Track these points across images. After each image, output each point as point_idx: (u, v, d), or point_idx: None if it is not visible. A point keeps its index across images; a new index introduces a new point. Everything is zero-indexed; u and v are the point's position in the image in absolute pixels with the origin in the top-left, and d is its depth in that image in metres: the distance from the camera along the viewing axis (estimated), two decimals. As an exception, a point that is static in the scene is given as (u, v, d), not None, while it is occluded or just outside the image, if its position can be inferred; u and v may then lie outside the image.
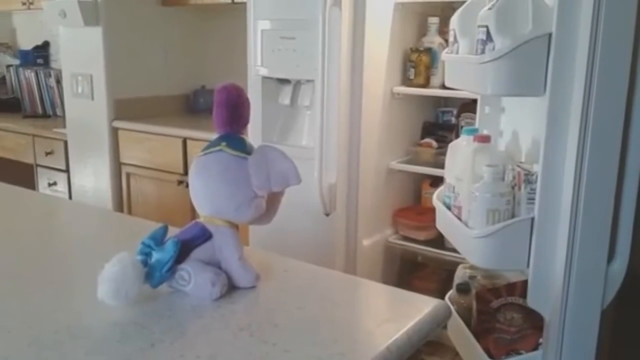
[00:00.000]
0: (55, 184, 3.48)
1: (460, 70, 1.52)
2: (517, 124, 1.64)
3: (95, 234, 1.40)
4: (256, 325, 0.92)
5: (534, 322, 1.43)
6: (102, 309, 0.92)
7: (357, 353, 0.85)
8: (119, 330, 0.90)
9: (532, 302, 1.40)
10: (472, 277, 1.73)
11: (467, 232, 1.44)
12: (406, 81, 2.33)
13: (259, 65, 2.21)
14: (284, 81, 2.24)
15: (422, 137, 2.52)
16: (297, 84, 2.21)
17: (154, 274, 0.96)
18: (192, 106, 3.40)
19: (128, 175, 3.13)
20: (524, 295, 1.41)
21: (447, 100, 2.52)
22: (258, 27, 2.18)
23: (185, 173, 2.84)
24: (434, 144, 2.40)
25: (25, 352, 0.83)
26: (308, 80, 2.14)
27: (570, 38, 1.26)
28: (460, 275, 1.76)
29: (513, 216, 1.41)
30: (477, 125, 1.74)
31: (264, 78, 2.22)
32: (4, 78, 4.37)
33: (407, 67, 2.30)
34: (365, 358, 0.83)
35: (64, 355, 0.82)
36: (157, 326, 0.91)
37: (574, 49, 1.26)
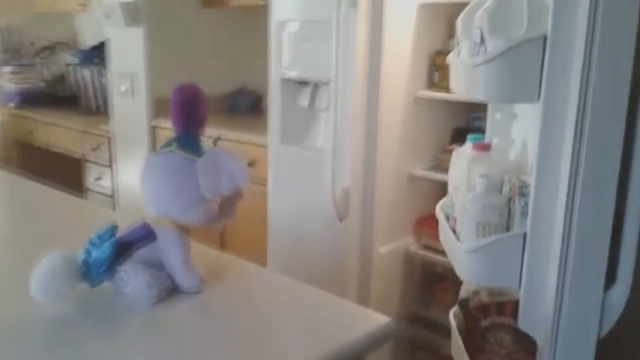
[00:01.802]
0: (100, 178, 3.61)
1: (460, 75, 1.44)
2: (529, 131, 1.53)
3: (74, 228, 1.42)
4: (179, 333, 0.90)
5: (526, 345, 1.33)
6: (35, 307, 0.92)
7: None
8: (45, 326, 0.90)
9: (523, 324, 1.30)
10: (475, 293, 1.63)
11: (457, 245, 1.36)
12: (431, 85, 2.24)
13: (279, 66, 2.19)
14: (303, 83, 2.21)
15: (452, 143, 2.42)
16: (316, 85, 2.18)
17: (92, 273, 0.95)
18: (231, 106, 3.42)
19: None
20: (515, 315, 1.31)
21: (478, 106, 2.41)
22: (278, 28, 2.16)
23: (216, 172, 2.86)
24: (462, 150, 2.30)
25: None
26: (325, 82, 2.10)
27: (566, 40, 1.16)
28: (465, 289, 1.67)
29: (508, 230, 1.32)
30: (487, 133, 1.65)
31: (284, 79, 2.20)
32: (63, 76, 4.56)
33: (432, 71, 2.22)
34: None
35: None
36: (84, 325, 0.91)
37: (570, 52, 1.16)
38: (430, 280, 2.40)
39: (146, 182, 1.01)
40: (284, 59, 2.18)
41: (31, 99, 4.40)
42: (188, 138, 1.03)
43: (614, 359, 1.30)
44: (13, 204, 1.61)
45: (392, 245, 2.25)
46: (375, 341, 0.93)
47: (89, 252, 0.96)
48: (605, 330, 1.25)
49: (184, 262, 0.99)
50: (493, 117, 1.63)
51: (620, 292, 1.24)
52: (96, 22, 4.27)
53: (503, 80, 1.23)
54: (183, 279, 0.99)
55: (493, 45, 1.23)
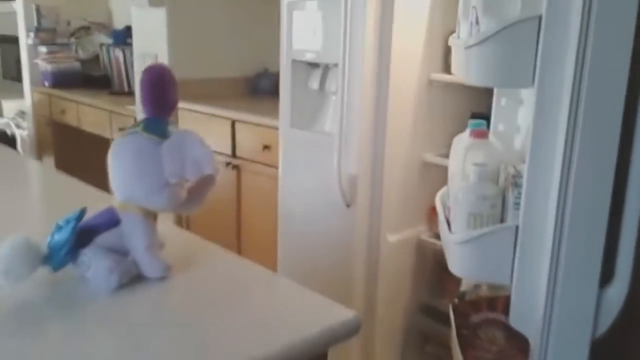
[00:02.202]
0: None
1: (459, 57, 1.37)
2: (534, 118, 1.45)
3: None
4: (136, 320, 0.88)
5: (518, 343, 1.27)
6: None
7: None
8: (1, 309, 0.89)
9: (514, 321, 1.24)
10: (476, 286, 1.57)
11: (447, 237, 1.30)
12: (447, 68, 2.16)
13: (290, 47, 2.15)
14: (314, 65, 2.16)
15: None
16: (327, 68, 2.13)
17: (54, 257, 0.94)
18: (254, 89, 3.40)
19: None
20: (507, 312, 1.26)
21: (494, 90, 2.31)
22: (290, 8, 2.11)
23: (234, 155, 2.85)
24: (479, 137, 2.22)
25: None
26: (336, 65, 2.05)
27: (562, 21, 1.08)
28: (466, 282, 1.62)
29: (501, 222, 1.26)
30: (492, 119, 1.58)
31: (294, 61, 2.16)
32: (97, 56, 4.63)
33: (448, 52, 2.13)
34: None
35: None
36: (43, 310, 0.90)
37: (566, 34, 1.08)
38: (442, 271, 2.33)
39: (112, 165, 0.99)
40: (295, 40, 2.13)
41: (65, 79, 4.48)
42: (156, 120, 1.00)
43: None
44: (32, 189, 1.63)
45: (402, 234, 2.19)
46: (339, 336, 0.89)
47: (52, 235, 0.96)
48: (602, 330, 1.19)
49: (147, 248, 0.97)
50: (498, 103, 1.56)
51: (617, 290, 1.17)
52: (129, 3, 4.31)
53: (495, 63, 1.16)
54: (146, 265, 0.97)
55: (486, 26, 1.16)
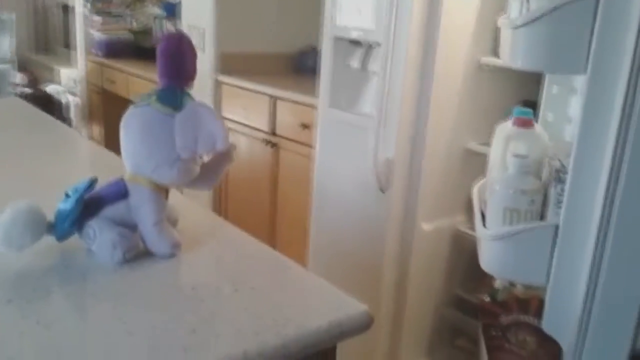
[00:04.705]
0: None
1: (506, 39, 1.27)
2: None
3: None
4: (138, 297, 0.84)
5: (551, 349, 1.18)
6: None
7: (209, 352, 0.73)
8: (3, 279, 0.87)
9: (547, 326, 1.15)
10: (512, 284, 1.48)
11: (480, 231, 1.22)
12: (498, 52, 2.04)
13: (331, 24, 2.07)
14: (356, 43, 2.07)
15: (519, 118, 2.21)
16: (370, 47, 2.04)
17: (58, 226, 0.91)
18: (298, 66, 3.34)
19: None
20: (539, 315, 1.17)
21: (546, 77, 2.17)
22: (334, -17, 2.03)
23: (273, 133, 2.81)
24: (529, 126, 2.09)
25: None
26: (379, 43, 1.96)
27: (622, 1, 0.97)
28: (500, 279, 1.52)
29: (541, 219, 1.16)
30: (542, 108, 1.47)
31: (337, 39, 2.08)
32: (150, 29, 4.65)
33: (497, 36, 2.01)
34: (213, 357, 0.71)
35: None
36: (43, 281, 0.87)
37: (626, 16, 0.97)
38: (479, 264, 2.23)
39: (123, 136, 0.95)
40: (339, 17, 2.05)
41: (118, 50, 4.52)
42: (171, 91, 0.95)
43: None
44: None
45: (438, 222, 2.10)
46: (347, 331, 0.83)
47: (60, 205, 0.92)
48: (642, 343, 1.08)
49: (155, 223, 0.93)
50: (549, 91, 1.45)
51: (663, 301, 1.06)
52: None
53: (545, 45, 1.06)
54: (154, 242, 0.93)
55: (537, 4, 1.05)
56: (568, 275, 1.11)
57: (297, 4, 3.32)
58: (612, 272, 1.04)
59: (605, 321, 1.07)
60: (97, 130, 4.63)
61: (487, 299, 1.48)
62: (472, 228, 2.15)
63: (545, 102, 1.45)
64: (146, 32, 4.66)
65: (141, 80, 3.95)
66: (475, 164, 2.15)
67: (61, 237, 0.92)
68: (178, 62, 0.95)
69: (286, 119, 2.73)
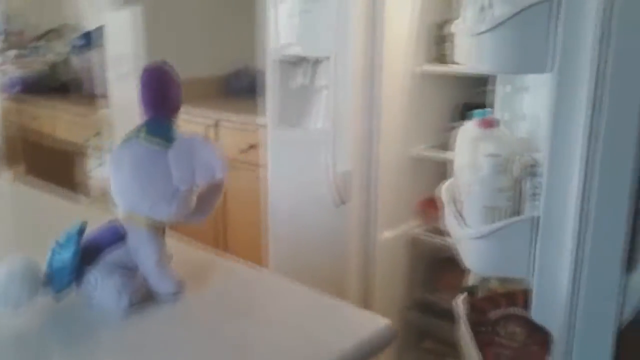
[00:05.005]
0: (103, 165, 3.53)
1: (464, 45, 1.32)
2: (540, 106, 1.41)
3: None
4: (154, 345, 0.80)
5: (540, 337, 1.23)
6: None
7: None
8: (2, 341, 0.81)
9: (536, 315, 1.20)
10: (485, 280, 1.53)
11: (462, 232, 1.25)
12: (435, 58, 2.12)
13: (275, 42, 2.08)
14: (301, 60, 2.09)
15: (457, 120, 2.29)
16: (315, 62, 2.06)
17: (55, 280, 0.86)
18: (228, 88, 3.31)
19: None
20: (526, 305, 1.21)
21: (487, 78, 2.27)
22: (274, 1, 2.04)
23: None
24: (470, 127, 2.18)
25: None
26: (325, 58, 1.98)
27: (579, 2, 1.04)
28: (473, 275, 1.58)
29: (518, 214, 1.21)
30: (495, 107, 1.53)
31: (281, 56, 2.09)
32: (67, 60, 4.47)
33: (436, 43, 2.09)
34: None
35: None
36: (47, 340, 0.82)
37: (584, 16, 1.04)
38: (438, 265, 2.29)
39: (113, 176, 0.91)
40: (281, 35, 2.06)
41: (34, 85, 4.32)
42: (158, 122, 0.93)
43: (636, 351, 1.20)
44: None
45: (396, 229, 2.14)
46: (377, 346, 0.83)
47: (53, 255, 0.87)
48: (627, 318, 1.15)
49: (156, 263, 0.89)
50: (502, 91, 1.51)
51: (642, 277, 1.13)
52: (99, 4, 4.17)
53: (511, 48, 1.11)
54: (158, 283, 0.90)
55: (500, 10, 1.11)
56: (552, 264, 1.16)
57: (225, 26, 3.30)
58: (594, 255, 1.10)
59: (592, 301, 1.13)
60: (19, 170, 4.39)
61: (464, 296, 1.52)
62: (427, 232, 2.22)
63: (498, 102, 1.52)
64: (64, 64, 4.49)
65: (62, 114, 3.80)
66: (422, 168, 2.22)
67: (60, 290, 0.86)
68: (162, 92, 0.93)
69: (230, 140, 2.70)
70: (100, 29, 4.29)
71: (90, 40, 4.30)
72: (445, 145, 2.17)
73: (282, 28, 2.05)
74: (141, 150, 0.89)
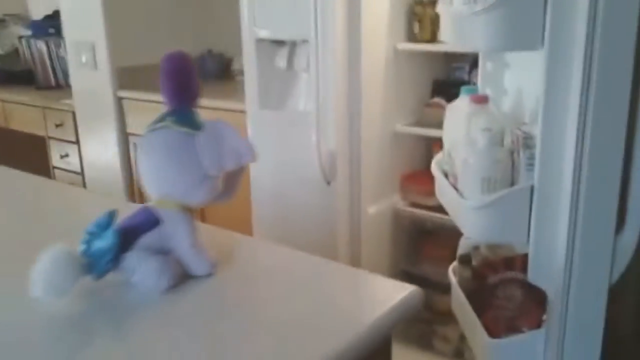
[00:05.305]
0: (67, 155, 3.46)
1: (453, 24, 1.38)
2: (522, 80, 1.49)
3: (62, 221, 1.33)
4: (202, 320, 0.84)
5: (537, 297, 1.32)
6: (39, 305, 0.85)
7: (307, 353, 0.76)
8: (53, 327, 0.83)
9: (533, 277, 1.28)
10: (475, 248, 1.61)
11: (462, 203, 1.32)
12: (411, 37, 2.18)
13: (252, 25, 2.09)
14: (279, 42, 2.11)
15: (432, 97, 2.37)
16: (293, 45, 2.09)
17: (95, 265, 0.88)
18: (198, 72, 3.29)
19: (135, 145, 3.07)
20: (524, 269, 1.30)
21: (458, 56, 2.35)
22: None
23: (191, 142, 2.76)
24: (444, 103, 2.25)
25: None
26: (304, 41, 2.01)
27: (570, -18, 1.11)
28: (463, 244, 1.65)
29: (512, 184, 1.29)
30: (479, 84, 1.60)
31: (258, 40, 2.10)
32: (17, 50, 4.32)
33: (412, 22, 2.15)
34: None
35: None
36: (94, 321, 0.85)
37: (574, -5, 1.11)
38: (419, 237, 2.38)
39: (144, 162, 0.93)
40: (258, 18, 2.08)
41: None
42: (183, 111, 0.95)
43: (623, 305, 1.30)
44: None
45: (379, 204, 2.21)
46: (406, 311, 0.89)
47: (88, 243, 0.89)
48: (616, 276, 1.25)
49: (192, 245, 0.92)
50: (484, 67, 1.58)
51: (629, 236, 1.23)
52: (45, -9, 4.04)
53: (505, 27, 1.17)
54: (193, 263, 0.93)
55: (493, -9, 1.17)
56: (548, 229, 1.24)
57: (189, 10, 3.27)
58: (587, 219, 1.19)
59: (586, 260, 1.22)
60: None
61: (456, 264, 1.60)
62: (409, 205, 2.29)
63: (482, 78, 1.59)
64: (13, 54, 4.33)
65: (22, 106, 3.68)
66: (401, 144, 2.30)
67: (100, 275, 0.89)
68: (185, 82, 0.95)
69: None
70: (52, 17, 4.18)
71: (40, 29, 4.18)
72: (422, 121, 2.25)
73: (258, 11, 2.06)
74: (172, 136, 0.91)
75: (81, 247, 0.89)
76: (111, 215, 0.91)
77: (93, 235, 0.90)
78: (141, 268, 0.89)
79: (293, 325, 0.82)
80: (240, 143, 0.93)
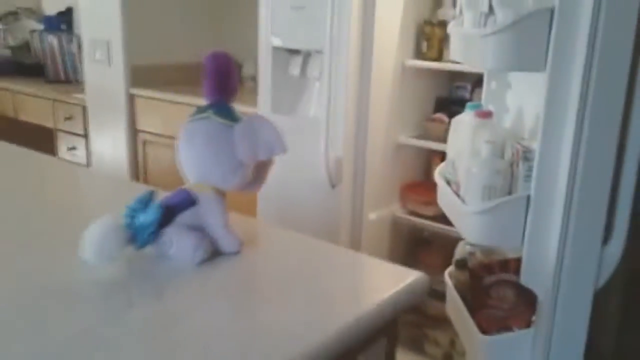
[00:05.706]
0: (74, 148, 3.55)
1: (464, 44, 1.50)
2: (523, 100, 1.61)
3: (93, 199, 1.44)
4: (233, 290, 0.94)
5: (528, 298, 1.43)
6: (86, 269, 0.94)
7: (324, 323, 0.86)
8: (100, 289, 0.93)
9: (525, 279, 1.39)
10: (471, 254, 1.72)
11: (463, 208, 1.43)
12: (419, 54, 2.30)
13: (269, 34, 2.21)
14: (294, 51, 2.23)
15: (435, 112, 2.49)
16: (307, 54, 2.20)
17: (138, 237, 0.98)
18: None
19: (144, 142, 3.17)
20: (517, 272, 1.41)
21: (461, 75, 2.48)
22: None
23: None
24: (446, 119, 2.37)
25: (5, 308, 0.85)
26: (317, 51, 2.13)
27: (572, 13, 1.22)
28: (460, 251, 1.76)
29: (510, 193, 1.40)
30: (483, 101, 1.72)
31: (275, 48, 2.22)
32: (28, 43, 4.42)
33: (420, 40, 2.27)
34: (331, 328, 0.84)
35: (43, 310, 0.85)
36: (137, 286, 0.94)
37: (576, 25, 1.23)
38: (416, 245, 2.49)
39: (185, 148, 1.04)
40: (275, 27, 2.19)
41: (-3, 67, 4.25)
42: (223, 105, 1.05)
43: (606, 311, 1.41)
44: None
45: (380, 211, 2.32)
46: (416, 292, 0.99)
47: (131, 217, 0.99)
48: (602, 282, 1.36)
49: (224, 225, 1.02)
50: (489, 86, 1.70)
51: (615, 247, 1.34)
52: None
53: (512, 50, 1.29)
54: (224, 241, 1.03)
55: (503, 16, 1.28)
56: (541, 235, 1.35)
57: (204, 13, 3.38)
58: (578, 229, 1.30)
59: (574, 267, 1.33)
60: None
61: (452, 269, 1.71)
62: (407, 214, 2.41)
63: (486, 96, 1.71)
64: (24, 47, 4.43)
65: (32, 98, 3.77)
66: (403, 155, 2.41)
67: (141, 246, 0.98)
68: (226, 79, 1.06)
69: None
70: (64, 13, 4.28)
71: (52, 24, 4.27)
72: (424, 135, 2.37)
73: (276, 21, 2.17)
74: (213, 126, 1.02)
75: (126, 220, 0.99)
76: (151, 194, 1.01)
77: (136, 211, 0.99)
78: (178, 242, 0.99)
79: (317, 296, 0.93)
80: (272, 137, 1.03)
